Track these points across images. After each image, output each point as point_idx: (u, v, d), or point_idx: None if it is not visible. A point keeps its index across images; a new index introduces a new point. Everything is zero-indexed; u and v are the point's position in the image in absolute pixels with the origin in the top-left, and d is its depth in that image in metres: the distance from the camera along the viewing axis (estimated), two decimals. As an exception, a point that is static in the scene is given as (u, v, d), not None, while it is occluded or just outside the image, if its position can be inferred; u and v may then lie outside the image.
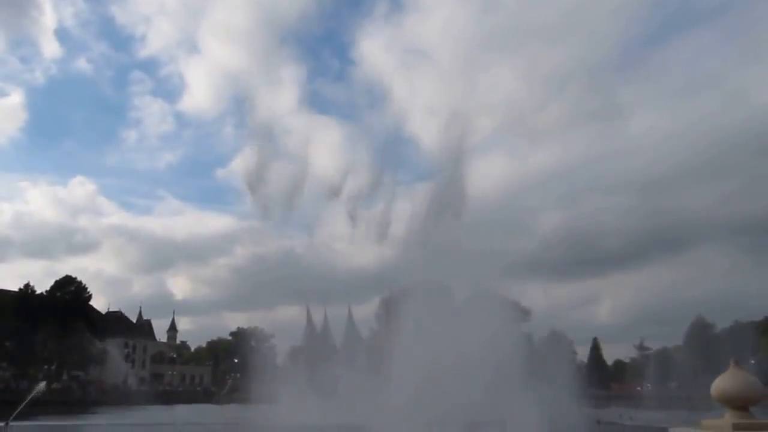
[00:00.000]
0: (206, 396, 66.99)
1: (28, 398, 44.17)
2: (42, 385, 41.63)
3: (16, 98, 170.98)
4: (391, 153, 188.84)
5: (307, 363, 67.72)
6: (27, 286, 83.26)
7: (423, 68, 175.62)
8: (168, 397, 70.07)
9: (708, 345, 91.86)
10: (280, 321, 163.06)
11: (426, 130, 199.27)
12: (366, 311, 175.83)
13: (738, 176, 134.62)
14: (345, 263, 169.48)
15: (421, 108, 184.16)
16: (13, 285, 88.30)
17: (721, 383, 3.38)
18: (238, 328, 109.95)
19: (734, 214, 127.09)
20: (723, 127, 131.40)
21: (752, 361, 77.12)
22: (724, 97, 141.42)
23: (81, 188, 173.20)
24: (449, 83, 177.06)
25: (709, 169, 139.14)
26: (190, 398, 69.18)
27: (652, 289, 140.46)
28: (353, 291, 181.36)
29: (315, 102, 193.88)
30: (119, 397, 62.27)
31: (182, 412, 45.15)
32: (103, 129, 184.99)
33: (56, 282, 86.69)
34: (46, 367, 71.36)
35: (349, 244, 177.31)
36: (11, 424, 37.02)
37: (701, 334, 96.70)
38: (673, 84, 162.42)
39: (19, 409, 39.45)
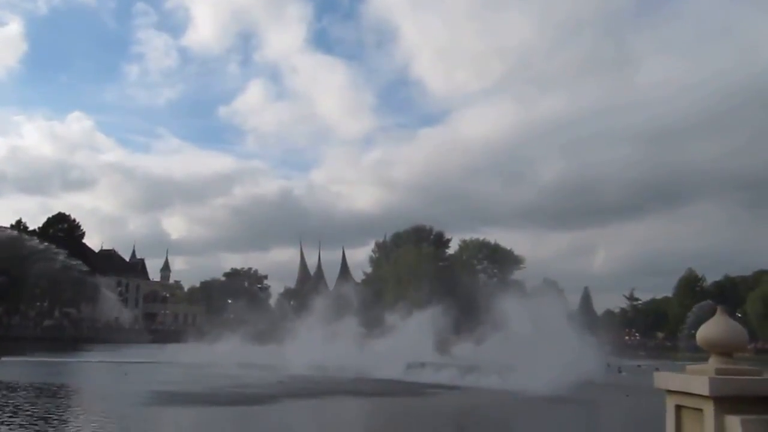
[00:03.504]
0: (199, 335, 67.91)
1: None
2: None
3: (15, 28, 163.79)
4: (395, 96, 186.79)
5: (299, 305, 68.74)
6: (19, 222, 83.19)
7: (434, 8, 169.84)
8: (161, 336, 71.08)
9: (697, 298, 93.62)
10: (275, 263, 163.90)
11: (433, 73, 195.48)
12: (361, 255, 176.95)
13: (744, 130, 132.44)
14: (343, 206, 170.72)
15: (430, 49, 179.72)
16: (6, 221, 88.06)
17: (707, 329, 3.34)
18: (232, 269, 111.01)
19: (736, 169, 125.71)
20: (733, 81, 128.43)
21: (738, 315, 78.55)
22: (736, 49, 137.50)
23: (78, 124, 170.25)
24: (460, 24, 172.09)
25: (716, 122, 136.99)
26: (182, 338, 70.09)
27: (648, 241, 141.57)
28: (349, 234, 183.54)
29: (321, 41, 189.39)
30: (111, 335, 63.15)
31: (172, 350, 45.68)
32: (103, 63, 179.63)
33: (49, 219, 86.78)
34: (38, 303, 71.84)
35: (348, 186, 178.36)
36: (3, 359, 37.56)
37: (691, 287, 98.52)
38: (687, 34, 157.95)
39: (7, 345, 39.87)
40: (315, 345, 45.46)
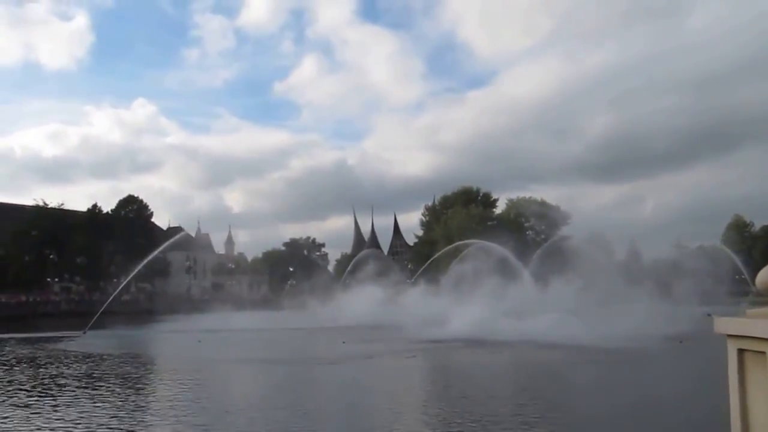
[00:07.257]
0: (265, 303, 71.10)
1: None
2: None
3: (82, 21, 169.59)
4: (443, 61, 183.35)
5: (354, 270, 70.23)
6: (95, 206, 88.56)
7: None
8: (229, 305, 74.55)
9: (746, 243, 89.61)
10: (331, 230, 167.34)
11: (479, 34, 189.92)
12: (413, 219, 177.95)
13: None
14: (394, 172, 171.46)
15: (476, 10, 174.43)
16: (82, 205, 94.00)
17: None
18: (291, 238, 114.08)
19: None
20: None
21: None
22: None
23: (142, 110, 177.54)
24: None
25: (765, 63, 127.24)
26: (249, 306, 73.42)
27: (696, 189, 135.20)
28: (401, 199, 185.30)
29: (369, 12, 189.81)
30: (183, 306, 66.86)
31: (240, 318, 47.83)
32: (164, 49, 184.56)
33: (120, 201, 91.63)
34: (115, 280, 76.79)
35: (399, 152, 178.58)
36: (89, 332, 40.70)
37: (739, 233, 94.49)
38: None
39: (94, 319, 43.27)
40: (373, 306, 46.50)
